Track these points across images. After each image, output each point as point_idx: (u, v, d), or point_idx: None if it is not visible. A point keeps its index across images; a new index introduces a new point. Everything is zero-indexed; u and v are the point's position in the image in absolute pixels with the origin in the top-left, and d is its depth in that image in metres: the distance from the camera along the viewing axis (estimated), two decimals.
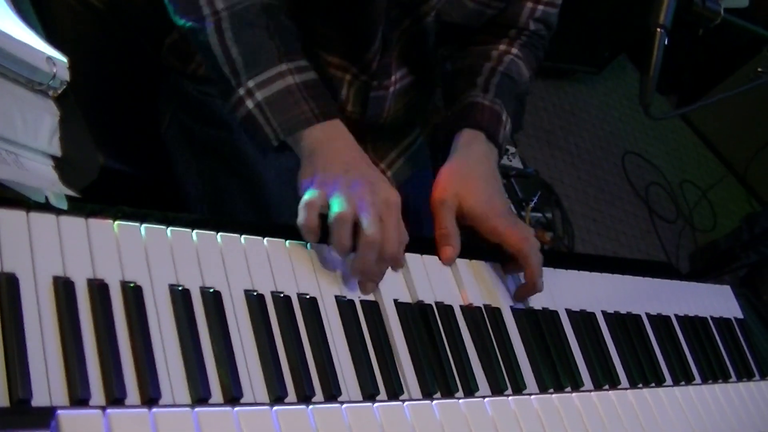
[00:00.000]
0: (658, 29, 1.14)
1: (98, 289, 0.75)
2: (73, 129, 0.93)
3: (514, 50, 1.29)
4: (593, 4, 3.20)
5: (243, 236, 0.90)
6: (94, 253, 0.78)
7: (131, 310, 0.76)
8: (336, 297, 0.94)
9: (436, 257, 1.07)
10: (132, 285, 0.78)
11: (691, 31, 1.26)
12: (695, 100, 3.69)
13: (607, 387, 1.13)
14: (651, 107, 1.17)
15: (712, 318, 1.41)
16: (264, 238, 0.92)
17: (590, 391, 1.10)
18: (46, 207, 0.78)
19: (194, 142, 1.33)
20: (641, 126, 3.90)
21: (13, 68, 0.88)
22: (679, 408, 1.19)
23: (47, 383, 0.68)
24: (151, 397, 0.72)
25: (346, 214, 0.92)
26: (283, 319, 0.87)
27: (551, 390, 1.05)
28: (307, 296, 0.91)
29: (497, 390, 1.00)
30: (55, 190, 0.82)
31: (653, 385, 1.19)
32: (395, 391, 0.90)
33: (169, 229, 0.85)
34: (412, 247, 1.00)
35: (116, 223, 0.81)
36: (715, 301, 1.46)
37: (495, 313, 1.07)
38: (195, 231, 0.86)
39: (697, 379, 1.28)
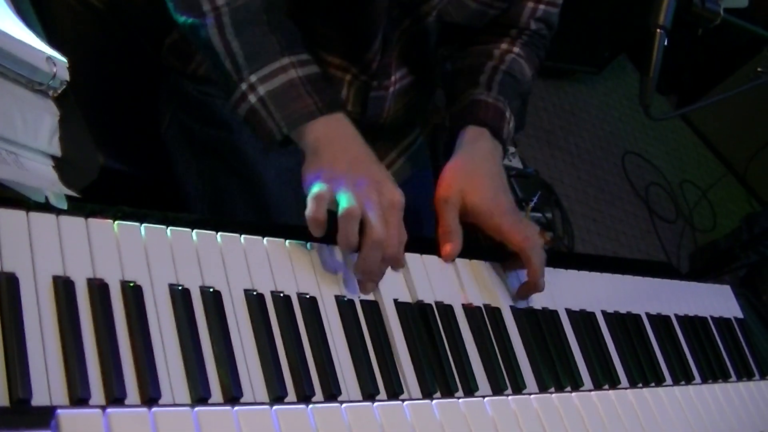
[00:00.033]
0: (658, 30, 1.14)
1: (98, 289, 0.75)
2: (73, 129, 0.93)
3: (516, 49, 1.29)
4: (593, 4, 3.20)
5: (243, 236, 0.90)
6: (94, 252, 0.78)
7: (131, 310, 0.76)
8: (336, 297, 0.94)
9: (436, 257, 1.07)
10: (132, 285, 0.78)
11: (691, 32, 1.26)
12: (695, 100, 3.70)
13: (607, 387, 1.13)
14: (651, 107, 1.17)
15: (712, 318, 1.41)
16: (264, 237, 0.92)
17: (590, 390, 1.10)
18: (46, 207, 0.78)
19: (194, 142, 1.33)
20: (641, 126, 3.90)
21: (13, 68, 0.88)
22: (679, 408, 1.19)
23: (47, 383, 0.68)
24: (150, 397, 0.72)
25: (355, 209, 0.91)
26: (282, 319, 0.87)
27: (551, 390, 1.05)
28: (307, 296, 0.91)
29: (497, 390, 1.00)
30: (55, 190, 0.82)
31: (653, 384, 1.19)
32: (395, 391, 0.90)
33: (169, 228, 0.85)
34: (412, 247, 1.00)
35: (116, 223, 0.81)
36: (715, 301, 1.46)
37: (495, 312, 1.07)
38: (195, 231, 0.86)
39: (697, 379, 1.28)
